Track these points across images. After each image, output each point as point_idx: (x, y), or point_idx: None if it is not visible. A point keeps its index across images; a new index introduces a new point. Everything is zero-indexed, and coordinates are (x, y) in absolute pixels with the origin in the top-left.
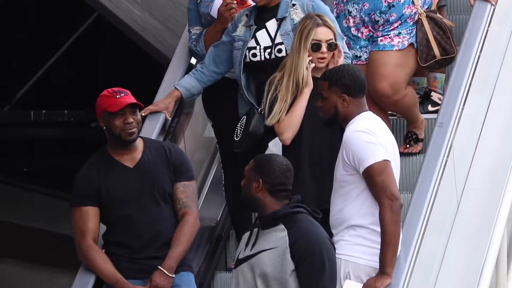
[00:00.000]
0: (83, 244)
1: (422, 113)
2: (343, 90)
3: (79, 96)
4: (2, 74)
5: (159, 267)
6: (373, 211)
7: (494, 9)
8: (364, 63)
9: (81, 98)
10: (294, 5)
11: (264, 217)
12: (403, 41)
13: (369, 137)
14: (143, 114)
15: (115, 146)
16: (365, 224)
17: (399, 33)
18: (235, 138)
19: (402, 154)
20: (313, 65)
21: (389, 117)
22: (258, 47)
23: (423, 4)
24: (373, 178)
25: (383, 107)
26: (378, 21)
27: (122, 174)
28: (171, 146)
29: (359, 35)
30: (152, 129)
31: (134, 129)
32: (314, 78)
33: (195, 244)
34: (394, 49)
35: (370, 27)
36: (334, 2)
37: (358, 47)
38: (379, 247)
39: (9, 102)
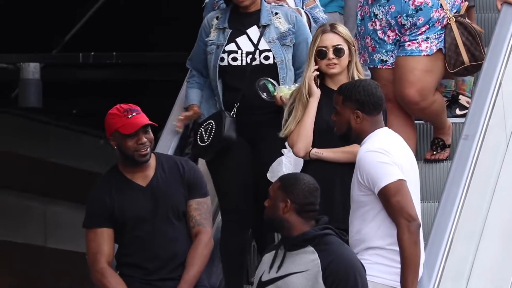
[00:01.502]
0: (96, 267)
1: (449, 117)
2: (356, 106)
3: (127, 38)
4: (51, 16)
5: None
6: (391, 232)
7: None
8: (390, 67)
9: (130, 40)
10: (276, 13)
11: (292, 239)
12: (431, 46)
13: (382, 157)
14: (177, 128)
15: (127, 165)
16: (383, 245)
17: (427, 38)
18: (200, 143)
19: (428, 161)
20: (315, 73)
21: (415, 121)
22: (239, 51)
23: (452, 7)
24: (389, 199)
25: (409, 113)
26: (404, 24)
27: (135, 193)
28: (184, 162)
29: (386, 38)
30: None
31: (148, 150)
32: (331, 90)
33: (216, 257)
34: (422, 54)
35: (396, 31)
36: (359, 4)
37: (384, 51)
38: (398, 265)
39: (58, 44)
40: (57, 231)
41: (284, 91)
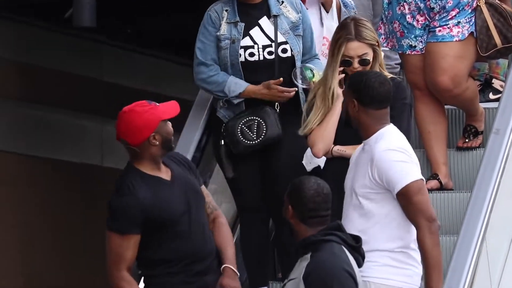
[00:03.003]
0: (115, 273)
1: (482, 101)
2: (354, 95)
3: None
4: None
5: (226, 265)
6: (400, 235)
7: None
8: (420, 53)
9: None
10: (282, 2)
11: (297, 245)
12: (462, 31)
13: (403, 156)
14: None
15: (150, 162)
16: (394, 248)
17: (458, 22)
18: (247, 141)
19: (460, 148)
20: (341, 76)
21: (446, 107)
22: (256, 46)
23: None
24: (410, 198)
25: (441, 101)
26: (433, 8)
27: (166, 189)
28: (179, 154)
29: (414, 23)
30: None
31: None
32: None
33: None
34: (454, 40)
35: (426, 15)
36: None
37: (413, 36)
38: (409, 267)
39: None
40: (113, 150)
41: (318, 79)
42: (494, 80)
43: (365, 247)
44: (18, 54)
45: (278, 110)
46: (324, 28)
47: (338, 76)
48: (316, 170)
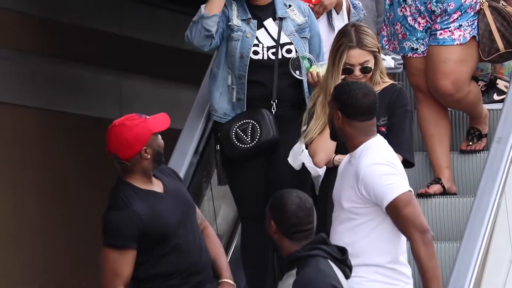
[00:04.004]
0: None
1: (487, 102)
2: (338, 106)
3: None
4: None
5: (224, 280)
6: (389, 249)
7: None
8: (421, 56)
9: None
10: (290, 6)
11: (282, 260)
12: (464, 34)
13: (389, 169)
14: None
15: (142, 175)
16: (382, 263)
17: (460, 25)
18: (241, 145)
19: (464, 151)
20: None
21: (448, 109)
22: (260, 45)
23: None
24: (400, 211)
25: (444, 104)
26: (434, 11)
27: (160, 203)
28: (166, 166)
29: (416, 25)
30: (186, 149)
31: None
32: None
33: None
34: (456, 43)
35: (427, 18)
36: None
37: (414, 38)
38: (398, 282)
39: None
40: (132, 105)
41: (316, 69)
42: (498, 81)
43: (353, 261)
44: (37, 8)
45: (274, 113)
46: (335, 29)
47: None
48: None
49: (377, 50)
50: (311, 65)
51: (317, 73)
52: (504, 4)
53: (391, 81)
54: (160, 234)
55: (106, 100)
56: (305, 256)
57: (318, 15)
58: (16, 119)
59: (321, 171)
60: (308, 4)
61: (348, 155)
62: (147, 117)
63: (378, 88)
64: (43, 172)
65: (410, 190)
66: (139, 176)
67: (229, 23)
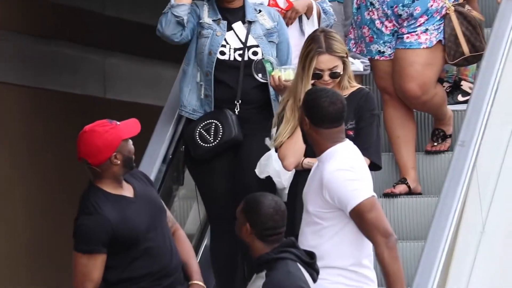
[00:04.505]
0: None
1: (451, 103)
2: (305, 113)
3: None
4: None
5: (195, 282)
6: (352, 252)
7: None
8: (388, 59)
9: None
10: (260, 11)
11: (253, 262)
12: (430, 38)
13: (351, 174)
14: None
15: (112, 181)
16: (345, 266)
17: (426, 29)
18: (204, 144)
19: (429, 152)
20: None
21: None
22: (228, 46)
23: None
24: (363, 216)
25: (410, 106)
26: (401, 15)
27: (130, 207)
28: (138, 170)
29: (383, 29)
30: (155, 156)
31: None
32: None
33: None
34: (422, 47)
35: (394, 21)
36: None
37: (381, 41)
38: (361, 285)
39: None
40: (115, 83)
41: (278, 73)
42: (463, 82)
43: (319, 262)
44: None
45: (237, 112)
46: (305, 34)
47: None
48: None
49: (346, 56)
50: (273, 69)
51: (278, 77)
52: (470, 8)
53: (359, 86)
54: (129, 238)
55: (89, 78)
56: (275, 258)
57: (291, 20)
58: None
59: (286, 183)
60: (280, 10)
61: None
62: (118, 123)
63: (346, 93)
64: (20, 146)
65: (374, 195)
66: (110, 182)
67: (200, 21)
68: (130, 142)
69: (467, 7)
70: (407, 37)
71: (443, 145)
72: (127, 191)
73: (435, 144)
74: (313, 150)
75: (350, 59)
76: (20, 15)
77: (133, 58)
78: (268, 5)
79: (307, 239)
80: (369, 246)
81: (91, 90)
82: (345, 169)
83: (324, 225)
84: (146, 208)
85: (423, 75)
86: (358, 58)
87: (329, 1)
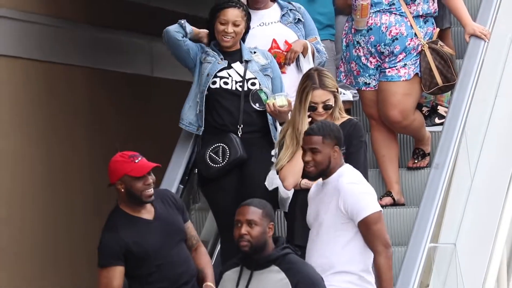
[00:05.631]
0: None
1: (429, 125)
2: (335, 142)
3: None
4: None
5: (208, 283)
6: (362, 259)
7: (488, 45)
8: (373, 89)
9: None
10: (255, 52)
11: (259, 259)
12: (409, 71)
13: (366, 188)
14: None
15: (132, 204)
16: (356, 271)
17: (405, 64)
18: (214, 165)
19: (410, 168)
20: (309, 119)
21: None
22: (230, 78)
23: (425, 35)
24: (370, 227)
25: (393, 130)
26: (383, 52)
27: (147, 228)
28: (169, 192)
29: (368, 64)
30: (174, 176)
31: (152, 190)
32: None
33: None
34: (401, 79)
35: (377, 57)
36: (343, 32)
37: (367, 75)
38: None
39: None
40: (162, 63)
41: (272, 100)
42: (439, 107)
43: (327, 272)
44: None
45: (241, 136)
46: (303, 71)
47: (307, 120)
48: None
49: (336, 90)
50: (268, 97)
51: (273, 103)
52: (442, 44)
53: (349, 116)
54: (141, 255)
55: (138, 59)
56: (283, 254)
57: (291, 60)
58: (69, 77)
59: (290, 194)
60: (281, 52)
61: (317, 182)
62: (137, 161)
63: (337, 123)
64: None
65: (381, 210)
66: (128, 205)
67: (206, 50)
68: (141, 181)
69: (439, 43)
70: (389, 71)
71: (423, 162)
72: (147, 213)
73: (416, 161)
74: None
75: (342, 90)
76: (84, 8)
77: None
78: (270, 48)
79: (320, 249)
80: (371, 254)
81: (139, 69)
82: (357, 182)
83: (337, 234)
84: (162, 230)
85: (403, 103)
86: (348, 89)
87: (322, 39)
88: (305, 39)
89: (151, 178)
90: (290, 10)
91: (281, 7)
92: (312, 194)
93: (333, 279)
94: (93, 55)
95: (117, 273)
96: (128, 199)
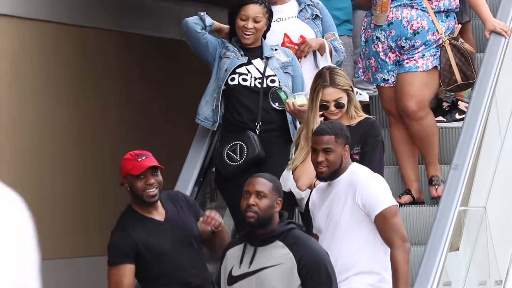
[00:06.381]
0: None
1: (449, 121)
2: (345, 141)
3: None
4: None
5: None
6: (381, 256)
7: (508, 42)
8: (391, 85)
9: None
10: (276, 49)
11: (263, 234)
12: (427, 63)
13: (382, 182)
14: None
15: (140, 205)
16: (377, 269)
17: (423, 55)
18: (232, 163)
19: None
20: (321, 118)
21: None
22: (249, 74)
23: (446, 30)
24: (389, 220)
25: (409, 126)
26: (404, 46)
27: (157, 229)
28: (181, 193)
29: (387, 60)
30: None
31: (155, 190)
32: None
33: None
34: (419, 70)
35: (397, 52)
36: (362, 28)
37: (385, 71)
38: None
39: None
40: None
41: (292, 99)
42: (460, 102)
43: (348, 271)
44: None
45: (260, 134)
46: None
47: (319, 119)
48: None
49: (350, 89)
50: (287, 97)
51: (293, 102)
52: (463, 42)
53: (366, 115)
54: (150, 255)
55: (166, 23)
56: (287, 229)
57: (303, 53)
58: (98, 40)
59: (304, 194)
60: (293, 45)
61: (316, 188)
62: (139, 159)
63: (354, 122)
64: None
65: (397, 204)
66: (137, 204)
67: (227, 45)
68: (142, 181)
69: (460, 40)
70: (407, 62)
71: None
72: (159, 214)
73: (437, 187)
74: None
75: (357, 90)
76: None
77: (205, 6)
78: (282, 42)
79: (340, 249)
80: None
81: (167, 33)
82: (373, 176)
83: (354, 234)
84: (173, 232)
85: (420, 94)
86: (366, 85)
87: (339, 35)
88: (323, 35)
89: (154, 179)
90: (308, 5)
91: (299, 2)
92: (317, 201)
93: (353, 281)
94: (122, 19)
95: (127, 271)
96: (134, 198)
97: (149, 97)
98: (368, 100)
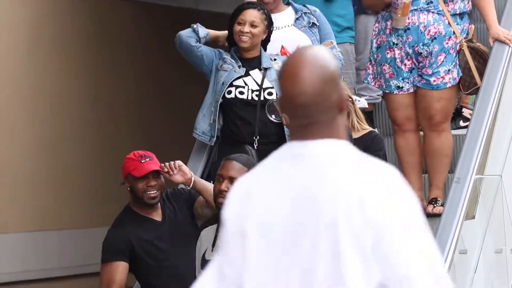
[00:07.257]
0: None
1: (453, 128)
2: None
3: None
4: None
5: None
6: None
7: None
8: (406, 93)
9: None
10: (275, 59)
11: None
12: (453, 76)
13: None
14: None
15: (139, 204)
16: None
17: (449, 70)
18: None
19: (430, 215)
20: None
21: None
22: (246, 87)
23: (462, 32)
24: None
25: (428, 137)
26: (421, 53)
27: (153, 228)
28: (174, 191)
29: (403, 67)
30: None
31: (156, 192)
32: None
33: None
34: (448, 86)
35: (413, 59)
36: (373, 33)
37: (401, 78)
38: None
39: None
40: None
41: None
42: (464, 110)
43: None
44: None
45: (258, 148)
46: None
47: None
48: None
49: (350, 99)
50: None
51: None
52: (479, 44)
53: (370, 129)
54: (145, 255)
55: None
56: None
57: None
58: (115, 10)
59: None
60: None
61: None
62: (143, 161)
63: (357, 135)
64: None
65: None
66: (136, 204)
67: (224, 57)
68: (141, 182)
69: (476, 41)
70: (434, 80)
71: (439, 209)
72: (157, 215)
73: (435, 205)
74: None
75: (356, 97)
76: None
77: None
78: (281, 53)
79: None
80: None
81: (186, 2)
82: None
83: None
84: (170, 232)
85: (447, 107)
86: (372, 91)
87: (340, 42)
88: (320, 43)
89: (156, 181)
90: (305, 13)
91: (296, 10)
92: None
93: None
94: None
95: (120, 268)
96: (133, 198)
97: (166, 66)
98: (367, 106)
